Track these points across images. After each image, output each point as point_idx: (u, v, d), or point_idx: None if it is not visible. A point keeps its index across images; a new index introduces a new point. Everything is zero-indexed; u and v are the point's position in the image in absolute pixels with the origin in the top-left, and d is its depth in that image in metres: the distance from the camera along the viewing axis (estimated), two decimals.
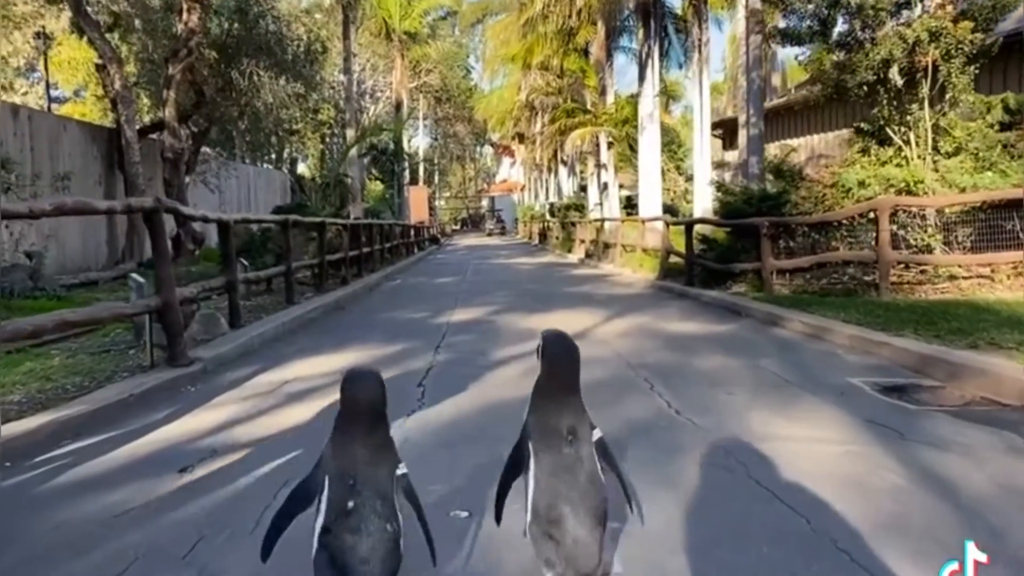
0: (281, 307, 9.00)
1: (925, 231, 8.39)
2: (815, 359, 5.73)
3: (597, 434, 2.05)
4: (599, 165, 24.72)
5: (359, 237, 14.38)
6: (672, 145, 36.09)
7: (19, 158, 13.38)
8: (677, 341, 6.76)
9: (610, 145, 21.28)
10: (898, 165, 8.62)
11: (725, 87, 44.96)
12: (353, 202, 20.64)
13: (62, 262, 14.98)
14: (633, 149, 24.99)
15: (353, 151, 20.50)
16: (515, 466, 2.06)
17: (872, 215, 8.41)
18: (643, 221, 15.41)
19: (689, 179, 34.34)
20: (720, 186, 12.36)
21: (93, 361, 5.62)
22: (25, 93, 32.52)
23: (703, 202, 14.05)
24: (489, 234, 50.06)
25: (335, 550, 1.76)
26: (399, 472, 1.91)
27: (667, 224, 13.15)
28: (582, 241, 22.88)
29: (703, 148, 14.24)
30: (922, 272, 8.55)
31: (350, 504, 1.78)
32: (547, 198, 37.38)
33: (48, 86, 27.74)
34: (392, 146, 28.40)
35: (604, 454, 2.05)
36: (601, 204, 24.65)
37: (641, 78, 17.56)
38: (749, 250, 10.46)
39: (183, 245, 16.32)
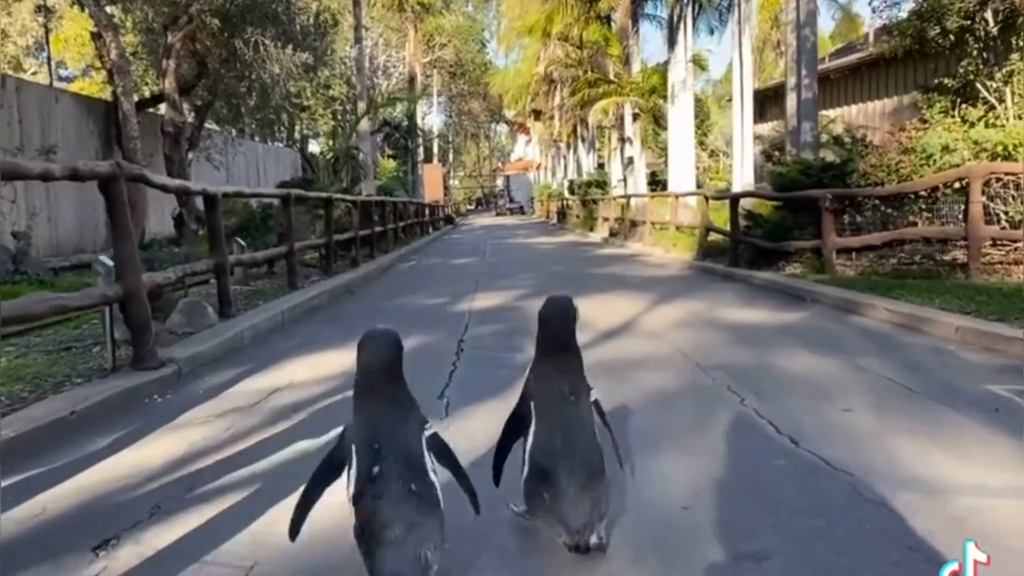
0: (282, 293, 8.00)
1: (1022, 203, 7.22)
2: (927, 358, 4.63)
3: (594, 395, 2.09)
4: (622, 139, 23.46)
5: (371, 215, 13.35)
6: (696, 119, 34.66)
7: (5, 131, 12.45)
8: (744, 333, 5.68)
9: (636, 117, 20.02)
10: (991, 126, 7.41)
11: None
12: (365, 179, 19.59)
13: (56, 243, 14.08)
14: (658, 123, 23.72)
15: (365, 125, 19.41)
16: (515, 427, 2.06)
17: (960, 184, 7.26)
18: (676, 196, 14.25)
19: (712, 154, 33.08)
20: (770, 156, 11.17)
21: (47, 362, 4.64)
22: (34, 73, 31.62)
23: (744, 175, 12.88)
24: (499, 214, 48.82)
25: (363, 518, 1.75)
26: (427, 432, 1.87)
27: (706, 199, 12.00)
28: (605, 219, 21.73)
29: (744, 116, 13.02)
30: (1016, 250, 7.40)
31: (375, 470, 1.75)
32: (565, 176, 36.11)
33: (50, 61, 26.77)
34: (406, 122, 27.28)
35: (598, 411, 2.10)
36: (625, 180, 23.42)
37: (671, 43, 16.30)
38: (805, 226, 9.33)
39: (186, 225, 15.36)
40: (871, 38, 20.12)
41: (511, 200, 52.46)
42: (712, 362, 4.62)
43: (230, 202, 9.38)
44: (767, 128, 25.82)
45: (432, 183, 36.04)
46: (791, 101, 12.24)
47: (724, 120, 34.55)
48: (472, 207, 62.02)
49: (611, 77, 22.50)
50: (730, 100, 27.57)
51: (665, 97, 21.51)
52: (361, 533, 1.76)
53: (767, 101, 26.88)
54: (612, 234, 19.52)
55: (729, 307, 7.18)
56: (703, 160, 34.16)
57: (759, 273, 9.29)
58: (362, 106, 19.58)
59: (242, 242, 8.09)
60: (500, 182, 65.83)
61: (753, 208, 11.07)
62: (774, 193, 9.55)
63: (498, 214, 48.58)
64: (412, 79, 29.41)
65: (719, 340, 5.45)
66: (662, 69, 20.34)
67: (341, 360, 4.77)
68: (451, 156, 58.79)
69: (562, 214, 31.95)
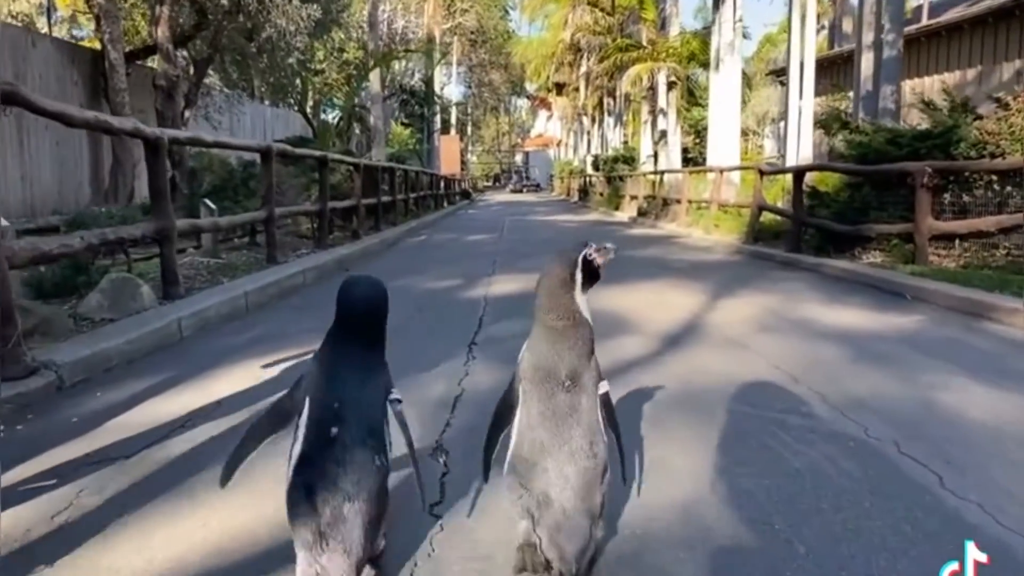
0: (257, 268, 6.57)
1: None
2: None
3: (605, 387, 1.68)
4: (653, 111, 21.78)
5: (377, 183, 11.88)
6: None
7: None
8: (858, 345, 4.17)
9: (671, 86, 18.36)
10: None
11: (781, 38, 41.48)
12: (375, 145, 18.13)
13: (31, 204, 12.76)
14: (692, 95, 22.02)
15: (376, 88, 17.89)
16: (502, 415, 1.70)
17: None
18: (721, 171, 12.65)
19: (743, 134, 31.27)
20: (845, 123, 9.58)
21: None
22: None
23: (803, 149, 11.28)
24: (514, 191, 47.05)
25: (316, 484, 1.49)
26: (392, 397, 1.64)
27: (759, 173, 10.41)
28: (633, 197, 20.13)
29: (805, 81, 11.38)
30: None
31: (333, 431, 1.52)
32: (588, 151, 34.41)
33: (50, 13, 25.39)
34: (422, 88, 25.65)
35: (606, 408, 1.67)
36: (655, 156, 21.78)
37: (716, 1, 14.61)
38: (888, 207, 7.78)
39: (178, 189, 13.98)
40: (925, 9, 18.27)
41: (527, 178, 50.72)
42: (844, 395, 3.12)
43: (204, 158, 7.96)
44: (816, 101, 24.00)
45: (449, 155, 34.45)
46: (866, 62, 10.58)
47: (756, 98, 32.73)
48: (489, 183, 60.57)
49: (644, 43, 20.80)
50: (771, 74, 25.81)
51: (705, 64, 19.85)
52: (311, 496, 1.48)
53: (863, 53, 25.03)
54: (641, 213, 17.95)
55: (811, 303, 5.67)
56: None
57: (831, 261, 7.76)
58: (374, 71, 18.01)
59: (212, 205, 6.66)
60: (519, 158, 64.27)
61: (817, 185, 9.50)
62: (854, 166, 7.95)
63: (513, 191, 46.81)
64: (431, 41, 27.70)
65: (831, 355, 3.94)
66: (702, 34, 18.67)
67: (298, 369, 3.35)
68: (469, 129, 57.05)
69: (584, 192, 30.33)
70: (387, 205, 13.39)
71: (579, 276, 1.75)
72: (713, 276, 7.50)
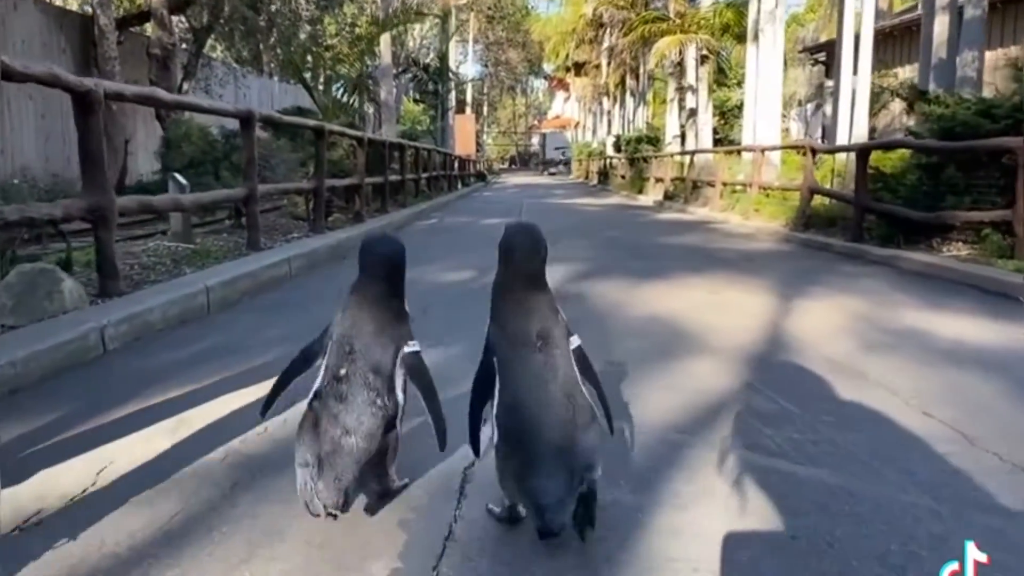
0: (234, 255, 5.55)
1: None
2: None
3: (576, 341, 1.71)
4: (680, 88, 20.50)
5: (384, 160, 10.81)
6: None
7: None
8: (1004, 371, 3.08)
9: (703, 60, 17.09)
10: None
11: (808, 17, 39.85)
12: (386, 121, 17.04)
13: (10, 180, 11.83)
14: (723, 71, 20.73)
15: (387, 59, 16.77)
16: (483, 386, 1.70)
17: None
18: (762, 150, 11.47)
19: None
20: (921, 93, 8.40)
21: None
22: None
23: (858, 126, 10.09)
24: (550, 172, 45.11)
25: (320, 416, 1.64)
26: (408, 348, 1.72)
27: (811, 151, 9.25)
28: (658, 180, 18.94)
29: (861, 51, 10.14)
30: None
31: (342, 371, 1.66)
32: (608, 133, 33.10)
33: None
34: (437, 63, 24.44)
35: (582, 363, 1.71)
36: (682, 136, 20.54)
37: None
38: (974, 191, 6.64)
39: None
40: None
41: (555, 161, 48.19)
42: None
43: (181, 127, 6.93)
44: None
45: (464, 135, 33.26)
46: (939, 25, 9.34)
47: (786, 78, 31.24)
48: (505, 165, 59.39)
49: (672, 16, 19.48)
50: (804, 51, 24.39)
51: (740, 37, 18.55)
52: (316, 428, 1.64)
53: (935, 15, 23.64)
54: (668, 197, 16.79)
55: (907, 308, 4.58)
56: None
57: (907, 254, 6.63)
58: (385, 39, 16.87)
59: (182, 180, 5.63)
60: (536, 140, 62.92)
61: (880, 166, 8.33)
62: (938, 143, 6.79)
63: (549, 172, 44.84)
64: (446, 15, 26.48)
65: (982, 389, 2.85)
66: (737, 4, 17.38)
67: (247, 407, 2.37)
68: (485, 110, 55.76)
69: (604, 174, 29.08)
70: (396, 185, 12.33)
71: (542, 249, 1.74)
72: (771, 270, 6.42)
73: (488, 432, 1.70)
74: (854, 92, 10.45)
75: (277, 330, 3.75)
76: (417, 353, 1.74)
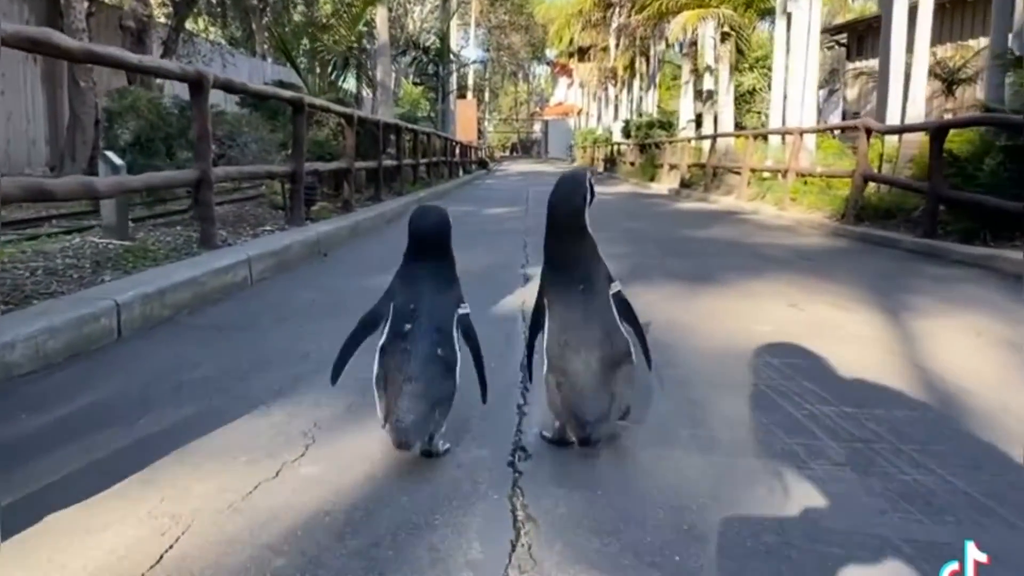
0: (179, 256, 4.40)
1: None
2: None
3: (616, 287, 1.90)
4: (697, 70, 19.27)
5: (378, 142, 9.63)
6: (766, 60, 30.10)
7: None
8: None
9: (724, 37, 15.84)
10: None
11: None
12: (382, 103, 15.83)
13: None
14: (741, 52, 19.48)
15: (384, 35, 15.53)
16: (535, 325, 1.96)
17: None
18: (800, 132, 10.28)
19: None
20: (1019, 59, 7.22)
21: None
22: None
23: (914, 106, 8.89)
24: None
25: (387, 367, 1.79)
26: (461, 311, 1.88)
27: (866, 132, 8.07)
28: (672, 167, 17.78)
29: (920, 24, 8.92)
30: None
31: (407, 327, 1.80)
32: (615, 118, 31.82)
33: None
34: (438, 44, 23.13)
35: (622, 307, 1.89)
36: (698, 120, 19.33)
37: None
38: None
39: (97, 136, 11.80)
40: None
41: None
42: None
43: (127, 97, 5.75)
44: (863, 66, 21.37)
45: (465, 121, 31.99)
46: None
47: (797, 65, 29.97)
48: (506, 153, 58.20)
49: None
50: (825, 32, 23.10)
51: (765, 12, 17.35)
52: (385, 378, 1.79)
53: (870, 34, 22.45)
54: (684, 184, 15.62)
55: None
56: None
57: (1007, 253, 5.49)
58: (382, 12, 15.61)
59: (116, 160, 4.47)
60: (538, 127, 61.60)
61: (951, 149, 7.17)
62: None
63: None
64: None
65: None
66: None
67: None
68: (487, 96, 54.41)
69: (611, 162, 27.89)
70: (391, 171, 11.16)
71: (588, 196, 1.87)
72: (841, 272, 5.28)
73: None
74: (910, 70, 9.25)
75: (206, 369, 2.61)
76: (468, 315, 1.90)
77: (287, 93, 6.17)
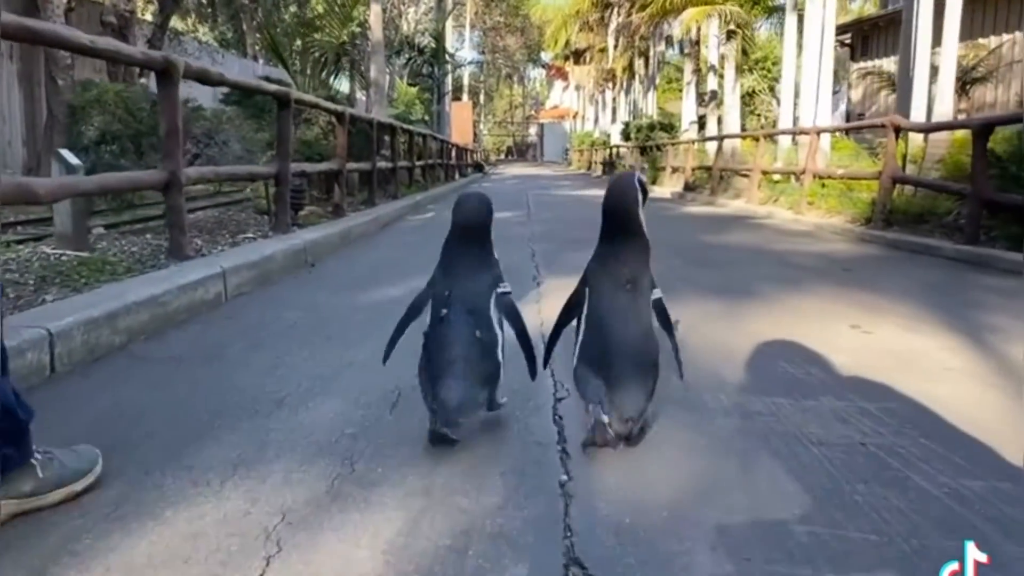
0: (145, 268, 3.84)
1: None
2: None
3: (657, 293, 1.90)
4: (699, 70, 18.80)
5: (372, 143, 9.06)
6: (766, 62, 29.71)
7: None
8: None
9: (730, 35, 15.34)
10: None
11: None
12: (376, 103, 15.25)
13: None
14: (745, 51, 19.01)
15: (377, 33, 14.95)
16: (570, 309, 1.96)
17: None
18: (817, 132, 9.75)
19: (780, 102, 28.29)
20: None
21: None
22: None
23: (942, 103, 8.39)
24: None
25: (430, 352, 1.83)
26: (500, 290, 1.90)
27: (895, 130, 7.54)
28: (675, 170, 17.24)
29: (950, 20, 8.41)
30: None
31: (443, 312, 1.83)
32: (613, 121, 31.31)
33: None
34: (433, 44, 22.58)
35: (661, 315, 1.90)
36: (701, 122, 18.84)
37: None
38: None
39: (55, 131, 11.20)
40: None
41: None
42: None
43: (93, 90, 5.17)
44: (869, 65, 20.91)
45: (461, 123, 31.42)
46: None
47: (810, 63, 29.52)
48: (502, 156, 57.72)
49: None
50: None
51: (772, 10, 16.89)
52: (428, 365, 1.83)
53: (875, 33, 22.03)
54: (689, 188, 15.09)
55: None
56: (774, 110, 29.38)
57: None
58: (376, 8, 15.04)
59: (72, 160, 3.90)
60: (533, 131, 61.14)
61: (995, 149, 6.65)
62: None
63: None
64: None
65: None
66: None
67: None
68: (482, 98, 53.90)
69: (610, 165, 27.34)
70: (386, 173, 10.60)
71: (639, 196, 1.87)
72: (888, 284, 4.75)
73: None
74: (933, 66, 8.75)
75: (150, 422, 2.04)
76: (508, 294, 1.93)
77: (271, 86, 5.59)
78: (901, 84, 9.75)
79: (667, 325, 1.90)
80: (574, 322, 1.93)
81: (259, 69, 22.76)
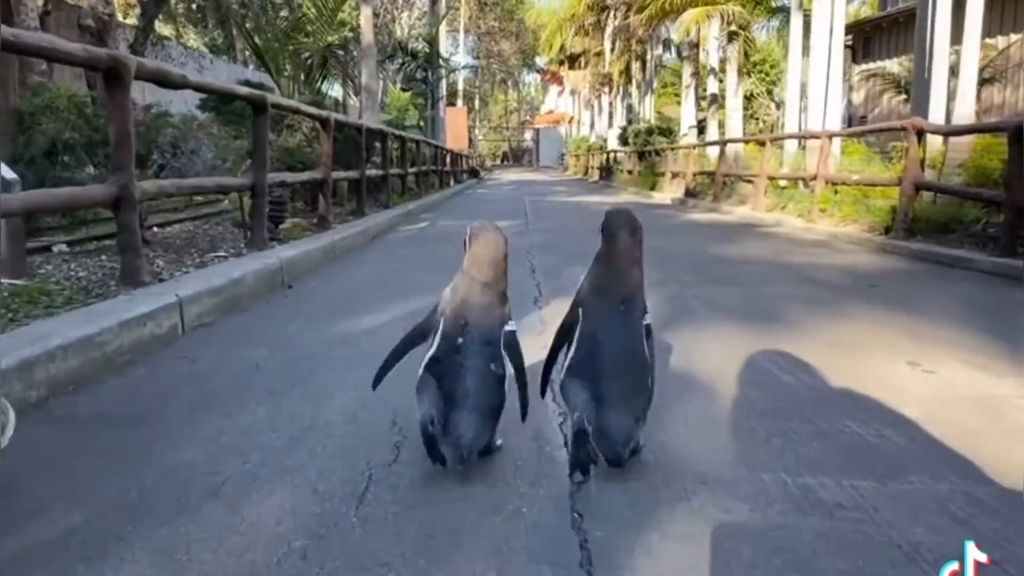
0: (92, 298, 3.34)
1: None
2: None
3: (648, 319, 1.88)
4: (698, 73, 18.37)
5: (361, 149, 8.58)
6: (764, 65, 29.34)
7: None
8: None
9: (732, 37, 14.90)
10: None
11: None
12: (368, 108, 14.79)
13: None
14: (746, 54, 18.62)
15: (368, 36, 14.48)
16: (562, 334, 1.94)
17: None
18: (829, 136, 9.29)
19: (778, 106, 27.98)
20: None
21: None
22: None
23: (962, 107, 7.94)
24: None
25: (444, 377, 1.78)
26: (508, 328, 1.87)
27: (918, 133, 7.08)
28: (675, 175, 16.80)
29: (972, 18, 7.95)
30: None
31: (460, 340, 1.80)
32: (609, 125, 30.90)
33: None
34: (426, 48, 22.07)
35: (648, 338, 1.86)
36: (700, 126, 18.42)
37: None
38: None
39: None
40: None
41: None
42: None
43: (44, 94, 4.67)
44: (873, 67, 20.53)
45: (456, 129, 30.94)
46: None
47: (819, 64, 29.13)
48: (497, 162, 57.35)
49: None
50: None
51: (775, 10, 16.48)
52: (439, 390, 1.77)
53: (877, 35, 21.65)
54: (690, 194, 14.65)
55: None
56: (772, 113, 28.99)
57: None
58: (367, 11, 14.57)
59: (8, 174, 3.41)
60: (529, 136, 60.77)
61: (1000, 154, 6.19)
62: None
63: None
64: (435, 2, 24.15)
65: None
66: None
67: None
68: (476, 104, 53.47)
69: (607, 170, 26.91)
70: (376, 181, 10.12)
71: (639, 232, 1.91)
72: (930, 305, 4.27)
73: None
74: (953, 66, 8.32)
75: (39, 530, 1.55)
76: (514, 333, 1.88)
77: (244, 89, 5.10)
78: (916, 85, 9.30)
79: (651, 350, 1.88)
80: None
81: (248, 74, 22.26)
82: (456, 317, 1.82)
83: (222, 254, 4.87)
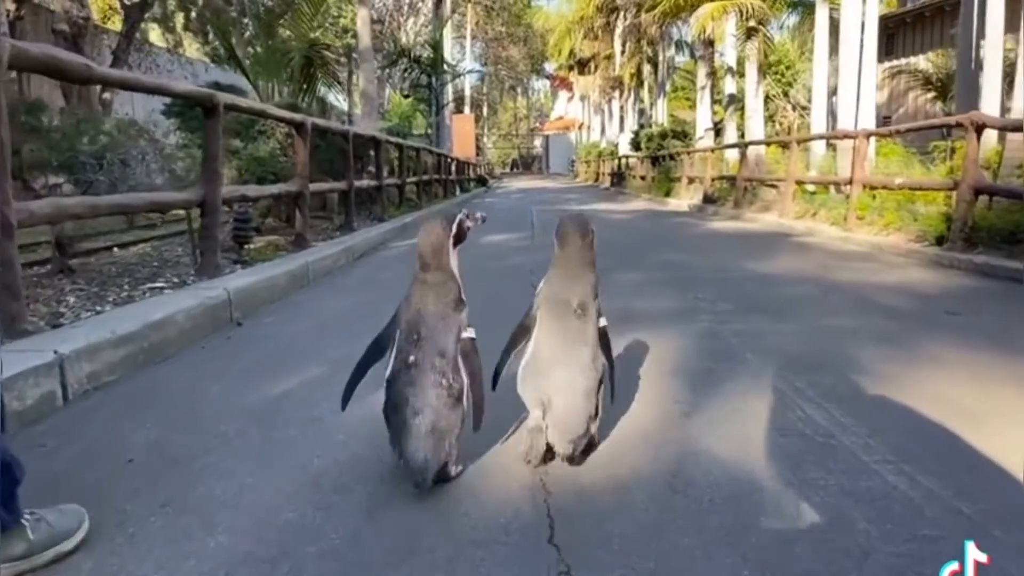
0: None
1: None
2: None
3: (603, 322, 1.95)
4: (714, 74, 17.50)
5: (349, 158, 7.77)
6: (779, 66, 28.41)
7: None
8: None
9: (751, 33, 14.02)
10: None
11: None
12: (365, 115, 14.03)
13: None
14: (765, 53, 17.71)
15: (366, 39, 13.73)
16: (518, 336, 1.97)
17: None
18: (867, 136, 8.39)
19: (795, 108, 27.06)
20: None
21: None
22: None
23: (1017, 101, 7.08)
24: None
25: (396, 399, 1.76)
26: (466, 334, 1.84)
27: (977, 128, 6.17)
28: (692, 180, 15.92)
29: None
30: None
31: (412, 358, 1.76)
32: (621, 130, 30.02)
33: None
34: (431, 53, 21.30)
35: (603, 340, 1.94)
36: (717, 129, 17.54)
37: None
38: None
39: None
40: None
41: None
42: None
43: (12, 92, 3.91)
44: (902, 64, 19.61)
45: (463, 136, 30.19)
46: None
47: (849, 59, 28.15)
48: (507, 170, 56.74)
49: None
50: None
51: (794, 4, 15.60)
52: (394, 412, 1.76)
53: (901, 30, 20.71)
54: (708, 200, 13.75)
55: None
56: (789, 116, 28.05)
57: None
58: (363, 12, 13.82)
59: None
60: (538, 143, 60.12)
61: None
62: None
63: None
64: (439, 2, 23.42)
65: None
66: None
67: None
68: (485, 111, 52.79)
69: (618, 176, 26.01)
70: (369, 193, 9.31)
71: (591, 236, 1.95)
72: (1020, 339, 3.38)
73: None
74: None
75: None
76: (472, 340, 1.85)
77: (182, 87, 4.27)
78: (961, 80, 8.42)
79: (607, 351, 1.92)
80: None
81: (242, 80, 21.59)
82: (410, 331, 1.78)
83: (160, 284, 4.05)
